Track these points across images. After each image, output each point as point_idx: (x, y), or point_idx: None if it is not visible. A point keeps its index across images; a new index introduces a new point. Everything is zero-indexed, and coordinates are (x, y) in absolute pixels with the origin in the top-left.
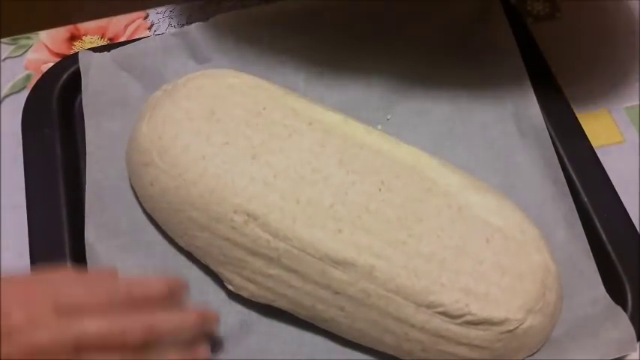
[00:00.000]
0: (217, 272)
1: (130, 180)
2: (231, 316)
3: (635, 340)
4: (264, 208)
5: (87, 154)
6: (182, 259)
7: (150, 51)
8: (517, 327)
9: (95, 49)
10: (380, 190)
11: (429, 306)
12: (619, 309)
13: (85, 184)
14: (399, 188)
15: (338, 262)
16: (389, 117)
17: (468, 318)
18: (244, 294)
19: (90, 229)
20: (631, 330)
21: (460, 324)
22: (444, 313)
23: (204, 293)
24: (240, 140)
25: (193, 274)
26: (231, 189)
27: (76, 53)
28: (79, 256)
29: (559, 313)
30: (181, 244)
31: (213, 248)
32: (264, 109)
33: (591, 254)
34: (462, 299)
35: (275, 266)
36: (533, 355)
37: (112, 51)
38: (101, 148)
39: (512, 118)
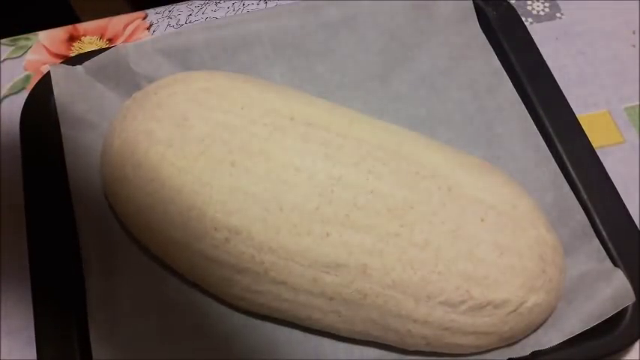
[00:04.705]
0: (208, 290)
1: (105, 196)
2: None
3: (632, 292)
4: (246, 222)
5: (67, 165)
6: None
7: (124, 59)
8: (520, 306)
9: (89, 54)
10: (367, 179)
11: (429, 297)
12: (611, 265)
13: None
14: (386, 175)
15: (329, 267)
16: (367, 104)
17: (470, 303)
18: (240, 307)
19: (84, 242)
20: (626, 283)
21: (463, 312)
22: (445, 303)
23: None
24: (217, 147)
25: None
26: (210, 205)
27: (77, 55)
28: (77, 259)
29: (562, 286)
30: (168, 262)
31: (197, 269)
32: (241, 108)
33: (582, 210)
34: (462, 285)
35: (263, 281)
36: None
37: (85, 63)
38: (81, 157)
39: (488, 95)
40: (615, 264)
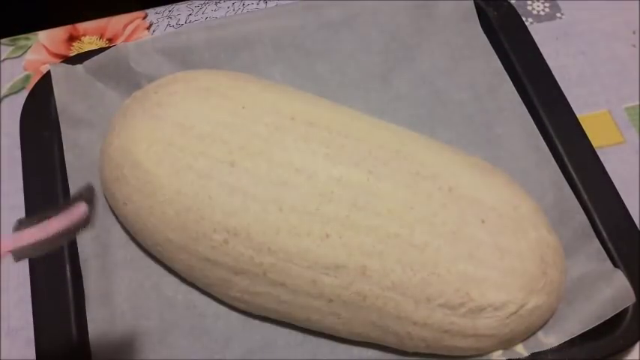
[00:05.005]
0: (206, 290)
1: (104, 197)
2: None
3: (632, 292)
4: (245, 223)
5: (66, 164)
6: None
7: (124, 58)
8: (521, 308)
9: (89, 53)
10: (368, 180)
11: (429, 299)
12: (611, 266)
13: None
14: (387, 176)
15: (328, 268)
16: (367, 103)
17: (470, 306)
18: (238, 308)
19: (82, 243)
20: (626, 284)
21: (463, 314)
22: (445, 305)
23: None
24: (217, 147)
25: None
26: (209, 206)
27: (76, 55)
28: (77, 259)
29: (563, 287)
30: (167, 263)
31: (195, 270)
32: (242, 107)
33: (582, 211)
34: (462, 287)
35: (262, 283)
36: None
37: (85, 62)
38: (81, 157)
39: (489, 96)
40: (615, 264)
